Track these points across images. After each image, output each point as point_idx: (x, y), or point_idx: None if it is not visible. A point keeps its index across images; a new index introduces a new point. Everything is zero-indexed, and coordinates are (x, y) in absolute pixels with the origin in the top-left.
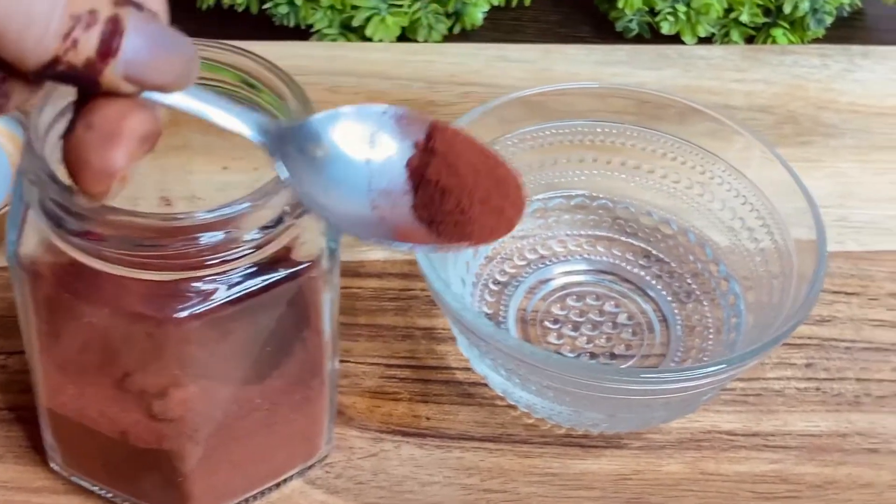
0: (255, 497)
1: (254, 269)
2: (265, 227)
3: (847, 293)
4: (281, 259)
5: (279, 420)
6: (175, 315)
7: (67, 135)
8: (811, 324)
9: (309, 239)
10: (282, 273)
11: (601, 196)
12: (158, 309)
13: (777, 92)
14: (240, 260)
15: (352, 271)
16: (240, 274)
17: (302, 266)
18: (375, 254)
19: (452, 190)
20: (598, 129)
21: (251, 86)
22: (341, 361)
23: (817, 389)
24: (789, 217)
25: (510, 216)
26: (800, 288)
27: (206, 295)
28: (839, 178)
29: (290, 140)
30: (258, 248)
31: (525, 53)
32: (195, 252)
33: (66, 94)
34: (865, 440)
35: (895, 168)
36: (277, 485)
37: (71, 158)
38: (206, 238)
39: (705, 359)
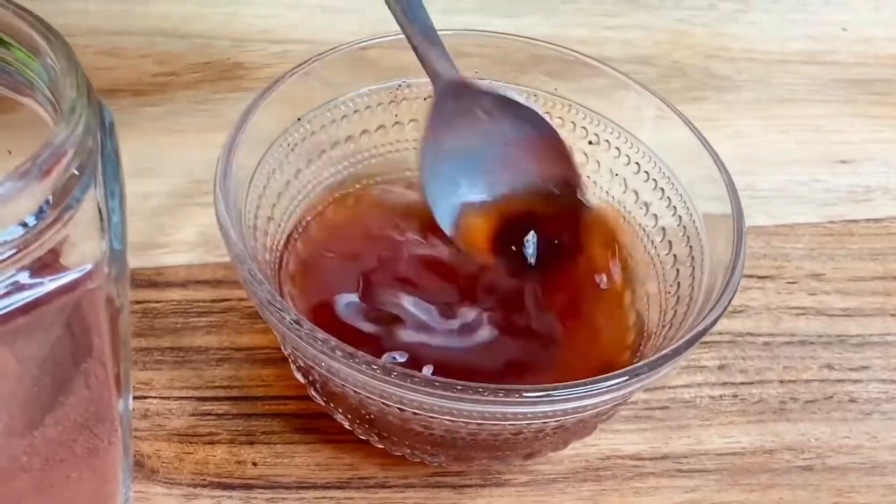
0: None
1: (9, 283)
2: (21, 225)
3: (760, 276)
4: (46, 267)
5: (58, 481)
6: None
7: None
8: None
9: (83, 239)
10: (48, 286)
11: None
12: None
13: (659, 40)
14: None
15: (147, 281)
16: None
17: (75, 275)
18: (177, 257)
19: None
20: None
21: None
22: (138, 398)
23: (735, 396)
24: (694, 188)
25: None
26: (714, 274)
27: None
28: (739, 140)
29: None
30: (13, 254)
31: (351, 2)
32: None
33: None
34: (796, 456)
35: (802, 124)
36: None
37: None
38: None
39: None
